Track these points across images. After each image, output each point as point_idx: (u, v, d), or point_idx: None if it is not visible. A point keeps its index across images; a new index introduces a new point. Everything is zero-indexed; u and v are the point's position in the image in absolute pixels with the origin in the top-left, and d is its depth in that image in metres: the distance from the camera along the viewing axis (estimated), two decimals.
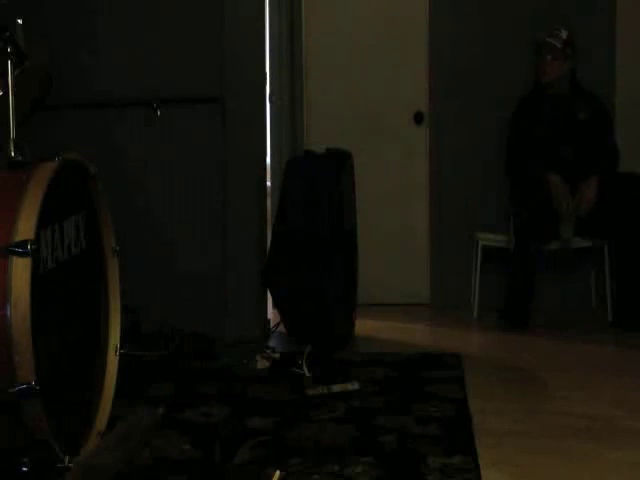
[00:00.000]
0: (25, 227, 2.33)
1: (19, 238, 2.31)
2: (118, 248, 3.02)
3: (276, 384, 3.81)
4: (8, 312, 2.25)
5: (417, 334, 5.03)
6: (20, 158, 2.64)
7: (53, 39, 4.37)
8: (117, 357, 2.99)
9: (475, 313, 5.26)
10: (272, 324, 4.91)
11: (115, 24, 4.59)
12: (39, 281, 2.37)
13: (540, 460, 2.89)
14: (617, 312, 5.02)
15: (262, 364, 4.10)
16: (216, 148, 4.58)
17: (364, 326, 4.98)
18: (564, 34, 5.07)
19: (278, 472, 2.59)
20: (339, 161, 4.68)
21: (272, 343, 4.60)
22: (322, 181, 4.52)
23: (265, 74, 5.01)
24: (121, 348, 3.01)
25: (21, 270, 2.28)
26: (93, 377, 2.87)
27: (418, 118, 5.62)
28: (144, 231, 4.54)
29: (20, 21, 2.87)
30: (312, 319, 4.43)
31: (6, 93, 2.65)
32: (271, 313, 5.05)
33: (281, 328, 4.77)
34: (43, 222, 2.41)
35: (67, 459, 2.39)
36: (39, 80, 3.11)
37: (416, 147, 5.63)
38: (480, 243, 5.30)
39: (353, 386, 3.68)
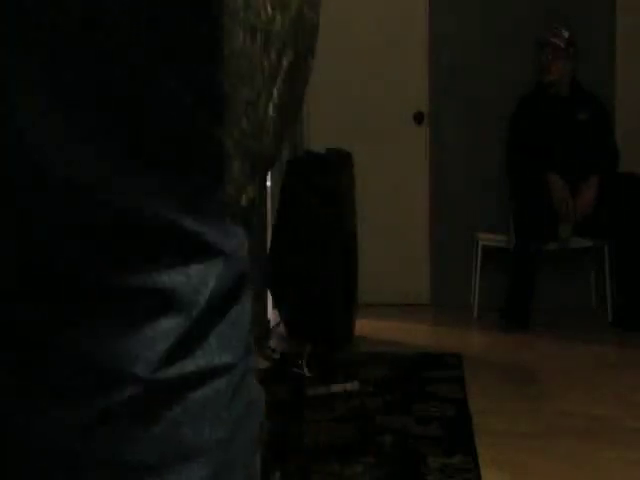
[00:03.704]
0: None
1: None
2: None
3: (276, 384, 3.81)
4: None
5: (417, 334, 5.03)
6: None
7: None
8: None
9: (475, 313, 5.27)
10: (272, 324, 4.91)
11: None
12: None
13: (540, 460, 2.89)
14: (617, 312, 5.02)
15: (262, 364, 4.10)
16: None
17: (364, 326, 4.98)
18: (566, 33, 5.08)
19: (278, 472, 2.59)
20: (339, 161, 4.68)
21: (272, 343, 4.60)
22: (322, 181, 4.52)
23: None
24: None
25: None
26: None
27: (418, 118, 5.62)
28: None
29: None
30: (312, 319, 4.43)
31: None
32: (271, 313, 5.06)
33: (281, 328, 4.78)
34: None
35: None
36: None
37: (416, 147, 5.64)
38: (480, 243, 5.30)
39: (353, 386, 3.68)
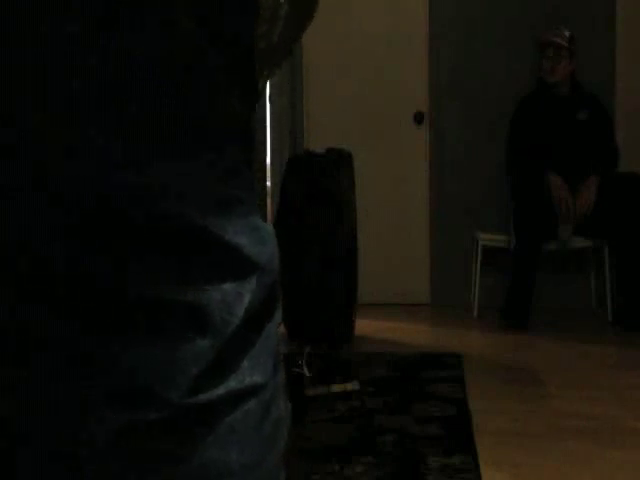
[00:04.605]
0: None
1: None
2: None
3: None
4: None
5: (417, 334, 5.02)
6: None
7: None
8: None
9: (475, 313, 5.26)
10: None
11: None
12: None
13: (540, 460, 2.89)
14: (617, 312, 5.02)
15: None
16: None
17: (364, 326, 4.98)
18: (567, 33, 5.08)
19: None
20: (339, 161, 4.68)
21: None
22: (322, 181, 4.52)
23: None
24: None
25: None
26: None
27: (418, 118, 5.62)
28: None
29: None
30: (312, 319, 4.43)
31: None
32: None
33: (281, 328, 4.77)
34: None
35: None
36: None
37: (416, 147, 5.63)
38: (480, 243, 5.30)
39: (353, 386, 3.68)
